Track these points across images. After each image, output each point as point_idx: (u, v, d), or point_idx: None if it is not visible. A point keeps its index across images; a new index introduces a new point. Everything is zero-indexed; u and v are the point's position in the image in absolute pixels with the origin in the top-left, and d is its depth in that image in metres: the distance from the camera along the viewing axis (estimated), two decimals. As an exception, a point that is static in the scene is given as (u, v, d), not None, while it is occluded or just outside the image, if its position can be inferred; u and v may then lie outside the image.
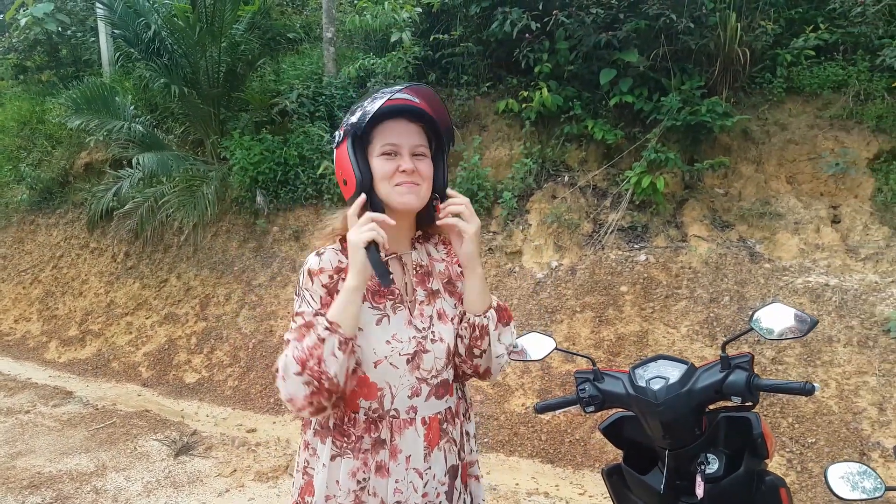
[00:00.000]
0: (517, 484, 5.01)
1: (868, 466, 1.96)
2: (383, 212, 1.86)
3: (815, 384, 1.91)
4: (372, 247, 1.78)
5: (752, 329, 2.07)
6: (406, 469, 1.88)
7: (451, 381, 1.99)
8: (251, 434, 6.20)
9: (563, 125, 7.30)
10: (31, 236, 11.50)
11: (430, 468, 1.90)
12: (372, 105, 1.82)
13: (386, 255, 1.89)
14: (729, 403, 2.05)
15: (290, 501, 2.02)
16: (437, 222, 1.93)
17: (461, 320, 1.99)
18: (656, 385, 2.06)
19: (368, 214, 1.80)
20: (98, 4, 9.13)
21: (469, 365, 2.00)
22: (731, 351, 2.03)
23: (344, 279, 1.85)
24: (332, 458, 1.88)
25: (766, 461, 2.11)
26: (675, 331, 5.82)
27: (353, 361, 1.80)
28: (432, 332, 1.94)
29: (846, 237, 6.01)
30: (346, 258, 1.89)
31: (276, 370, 1.79)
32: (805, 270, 5.86)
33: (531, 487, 4.96)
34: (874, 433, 4.69)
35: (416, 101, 1.90)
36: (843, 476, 1.95)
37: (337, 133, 1.95)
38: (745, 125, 6.80)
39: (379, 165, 1.86)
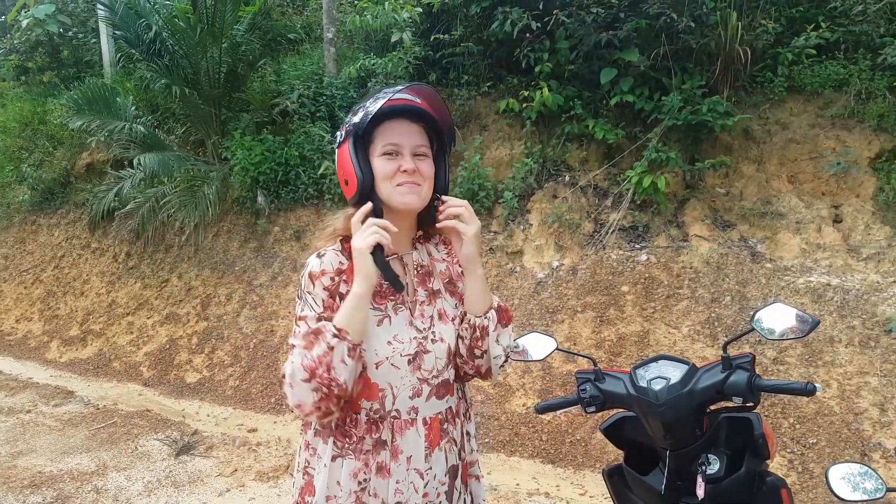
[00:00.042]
0: (518, 484, 5.01)
1: (869, 467, 1.95)
2: (383, 212, 1.87)
3: (816, 385, 1.91)
4: (378, 251, 1.79)
5: (753, 329, 2.06)
6: (407, 469, 1.88)
7: (451, 381, 1.99)
8: (252, 434, 6.20)
9: (564, 125, 7.30)
10: (33, 236, 11.51)
11: (430, 468, 1.90)
12: (373, 105, 1.83)
13: (387, 256, 1.89)
14: (730, 404, 2.05)
15: (290, 501, 2.02)
16: (437, 224, 1.93)
17: (462, 321, 1.99)
18: (657, 385, 2.06)
19: (371, 220, 1.81)
20: (99, 6, 9.14)
21: (471, 365, 2.01)
22: (732, 351, 2.03)
23: (345, 280, 1.86)
24: (333, 458, 1.88)
25: (768, 462, 2.11)
26: (676, 331, 5.81)
27: (360, 366, 1.81)
28: (433, 332, 1.94)
29: (848, 237, 6.01)
30: (347, 259, 1.90)
31: (283, 376, 1.79)
32: (806, 270, 5.85)
33: (532, 488, 4.96)
34: (875, 434, 4.69)
35: (418, 101, 1.90)
36: (844, 477, 1.95)
37: (338, 133, 1.95)
38: (747, 124, 6.79)
39: (380, 165, 1.86)
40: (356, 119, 1.87)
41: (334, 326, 1.75)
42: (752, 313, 2.09)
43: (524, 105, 7.35)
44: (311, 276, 1.86)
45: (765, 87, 6.98)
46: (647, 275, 6.28)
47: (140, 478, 5.33)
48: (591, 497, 4.80)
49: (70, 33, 13.85)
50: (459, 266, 2.04)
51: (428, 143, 1.94)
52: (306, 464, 1.95)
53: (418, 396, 1.90)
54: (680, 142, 6.82)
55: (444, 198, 1.94)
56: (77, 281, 10.10)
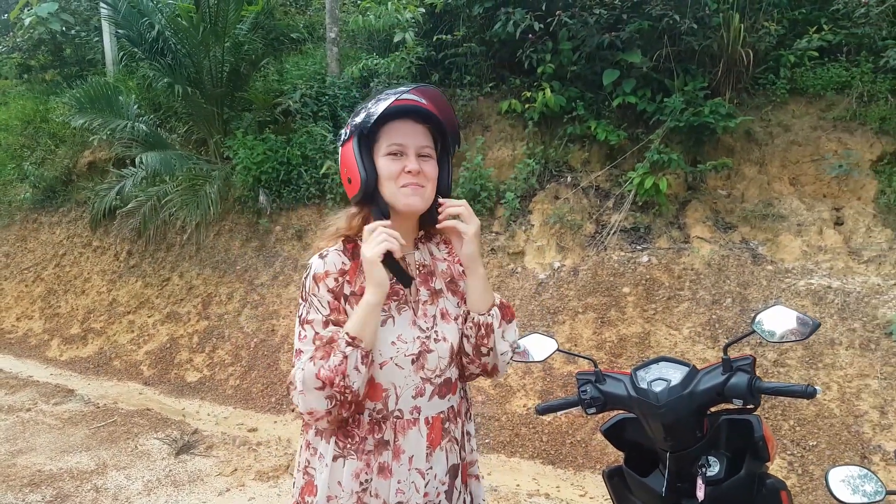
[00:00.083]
0: (518, 485, 5.01)
1: (869, 470, 1.95)
2: (389, 212, 1.88)
3: (816, 387, 1.91)
4: (388, 257, 1.80)
5: (754, 331, 2.07)
6: (408, 469, 1.88)
7: (453, 381, 2.00)
8: (252, 433, 6.20)
9: (566, 126, 7.30)
10: (34, 234, 11.52)
11: (431, 468, 1.91)
12: (379, 105, 1.83)
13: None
14: (730, 406, 2.05)
15: (290, 501, 2.02)
16: (438, 225, 1.94)
17: (465, 320, 2.00)
18: (658, 387, 2.06)
19: (380, 228, 1.81)
20: (102, 4, 9.15)
21: (477, 364, 2.02)
22: (732, 353, 2.03)
23: (348, 281, 1.87)
24: (335, 458, 1.88)
25: (767, 464, 2.11)
26: (677, 332, 5.81)
27: (371, 371, 1.82)
28: (436, 331, 1.94)
29: (849, 239, 6.00)
30: (350, 259, 1.91)
31: (291, 383, 1.80)
32: (807, 272, 5.85)
33: (532, 489, 4.96)
34: (875, 436, 4.68)
35: (424, 102, 1.91)
36: (843, 479, 1.95)
37: (343, 131, 1.95)
38: (749, 126, 6.79)
39: (384, 165, 1.87)
40: (361, 118, 1.87)
41: (347, 334, 1.76)
42: (752, 315, 2.10)
43: (526, 106, 7.35)
44: (315, 278, 1.86)
45: (767, 89, 6.97)
46: (648, 276, 6.28)
47: (140, 477, 5.33)
48: (591, 498, 4.80)
49: (73, 32, 13.86)
50: (460, 265, 2.04)
51: (432, 144, 1.94)
52: (307, 464, 1.95)
53: (421, 396, 1.90)
54: (682, 143, 6.82)
55: (442, 199, 1.94)
56: (78, 279, 10.11)
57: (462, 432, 2.04)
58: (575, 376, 2.30)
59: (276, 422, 6.45)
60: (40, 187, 11.61)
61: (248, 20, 9.77)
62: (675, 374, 2.09)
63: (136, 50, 9.48)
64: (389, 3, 8.60)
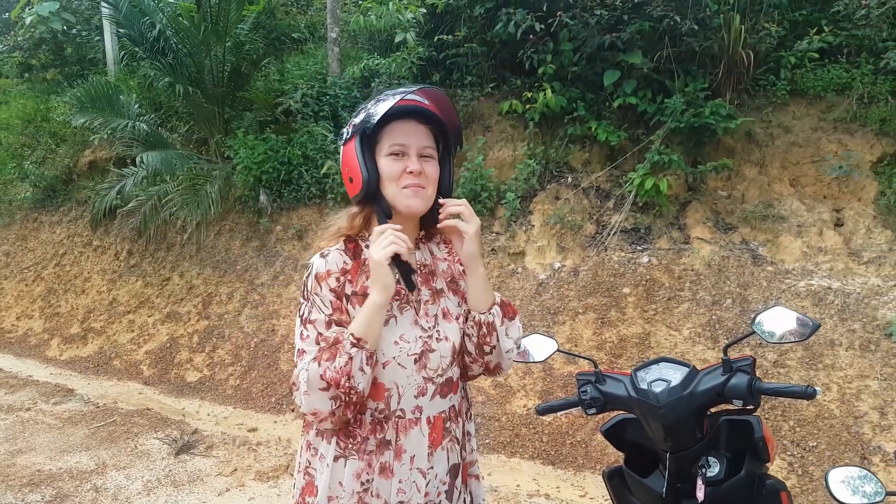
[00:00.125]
0: (518, 485, 5.01)
1: (869, 471, 1.96)
2: (391, 212, 1.89)
3: (816, 388, 1.91)
4: (395, 259, 1.81)
5: (754, 332, 2.07)
6: (410, 469, 1.88)
7: (455, 380, 2.00)
8: (252, 433, 6.20)
9: (567, 126, 7.30)
10: (35, 234, 11.53)
11: (432, 468, 1.91)
12: (382, 105, 1.83)
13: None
14: (730, 406, 2.05)
15: (290, 501, 2.02)
16: (438, 224, 1.94)
17: (466, 319, 2.00)
18: (658, 387, 2.06)
19: (389, 229, 1.81)
20: (103, 3, 9.15)
21: (480, 363, 2.02)
22: (733, 354, 2.04)
23: (350, 280, 1.88)
24: (336, 458, 1.88)
25: (767, 464, 2.12)
26: (677, 333, 5.81)
27: (375, 372, 1.83)
28: (437, 331, 1.95)
29: (849, 240, 6.00)
30: (351, 259, 1.91)
31: (294, 384, 1.80)
32: (808, 273, 5.85)
33: (532, 489, 4.96)
34: (875, 437, 4.68)
35: (426, 102, 1.91)
36: (843, 480, 1.95)
37: (345, 130, 1.95)
38: (749, 127, 6.79)
39: (386, 165, 1.87)
40: (362, 118, 1.88)
41: (352, 335, 1.76)
42: (752, 316, 2.10)
43: (527, 106, 7.35)
44: (317, 277, 1.86)
45: (767, 90, 6.97)
46: (648, 277, 6.28)
47: (139, 477, 5.34)
48: (591, 499, 4.80)
49: (74, 31, 13.87)
50: (460, 265, 2.05)
51: (434, 145, 1.94)
52: (307, 464, 1.95)
53: (423, 395, 1.90)
54: (682, 144, 6.82)
55: (443, 199, 1.94)
56: (78, 279, 10.11)
57: (463, 432, 2.04)
58: (575, 377, 2.31)
59: (276, 422, 6.46)
60: (41, 186, 11.61)
61: (250, 20, 9.78)
62: (676, 375, 2.10)
63: (137, 49, 9.49)
64: (390, 4, 8.61)
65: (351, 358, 1.73)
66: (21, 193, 11.95)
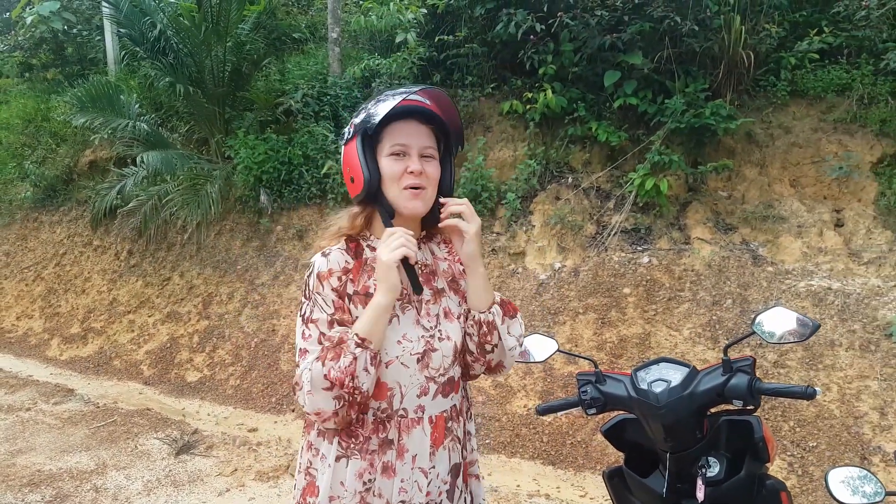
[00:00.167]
0: (518, 485, 5.01)
1: (869, 471, 1.96)
2: (394, 213, 1.89)
3: (816, 388, 1.92)
4: (403, 262, 1.82)
5: (754, 332, 2.07)
6: (412, 469, 1.88)
7: (456, 379, 2.00)
8: (252, 433, 6.20)
9: (567, 127, 7.30)
10: (35, 233, 11.53)
11: (434, 467, 1.91)
12: (383, 105, 1.84)
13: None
14: (730, 407, 2.05)
15: (290, 502, 2.02)
16: (440, 224, 1.95)
17: (467, 318, 2.01)
18: (658, 388, 2.06)
19: (399, 231, 1.82)
20: (104, 3, 9.15)
21: (482, 362, 2.02)
22: (733, 354, 2.04)
23: (352, 280, 1.88)
24: (338, 458, 1.87)
25: (767, 465, 2.12)
26: (677, 333, 5.81)
27: (379, 372, 1.83)
28: (439, 330, 1.95)
29: (849, 241, 6.00)
30: (353, 258, 1.91)
31: (297, 384, 1.80)
32: (808, 274, 5.85)
33: (532, 489, 4.96)
34: (875, 437, 4.69)
35: (428, 102, 1.92)
36: (843, 480, 1.95)
37: (346, 130, 1.96)
38: (749, 128, 6.79)
39: (387, 165, 1.87)
40: (363, 117, 1.88)
41: (357, 336, 1.76)
42: (753, 316, 2.10)
43: (528, 107, 7.35)
44: (319, 276, 1.86)
45: (768, 91, 6.98)
46: (648, 277, 6.28)
47: (140, 477, 5.34)
48: (591, 499, 4.81)
49: (74, 30, 13.88)
50: (460, 264, 2.05)
51: (435, 145, 1.95)
52: (309, 464, 1.95)
53: (425, 395, 1.90)
54: (683, 145, 6.82)
55: (444, 199, 1.95)
56: (78, 279, 10.12)
57: (464, 431, 2.04)
58: (575, 377, 2.31)
59: (276, 422, 6.46)
60: (41, 186, 11.61)
61: (250, 20, 9.79)
62: (676, 375, 2.10)
63: (137, 49, 9.50)
64: (391, 4, 8.61)
65: (355, 358, 1.74)
66: (21, 193, 11.95)
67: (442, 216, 1.94)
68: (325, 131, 8.22)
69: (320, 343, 1.81)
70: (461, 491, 2.02)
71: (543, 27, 6.97)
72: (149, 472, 5.40)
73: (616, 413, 2.31)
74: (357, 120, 1.90)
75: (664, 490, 2.08)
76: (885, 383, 4.93)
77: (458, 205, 1.92)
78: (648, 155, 6.63)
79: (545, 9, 7.00)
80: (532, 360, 2.38)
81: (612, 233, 6.72)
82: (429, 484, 1.90)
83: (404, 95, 1.85)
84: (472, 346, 2.00)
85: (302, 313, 1.87)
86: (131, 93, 10.11)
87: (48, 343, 9.25)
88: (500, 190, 7.41)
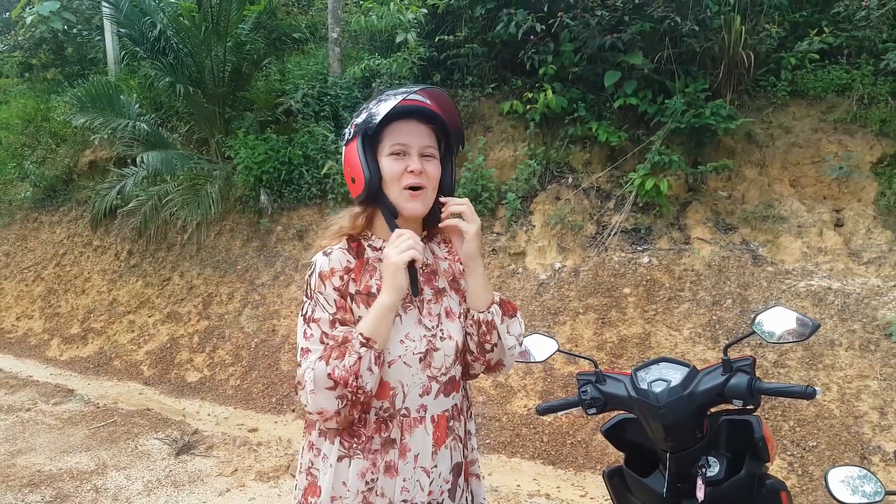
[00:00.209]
0: (519, 485, 5.01)
1: (868, 470, 1.96)
2: (397, 213, 1.90)
3: (816, 388, 1.92)
4: (410, 264, 1.83)
5: (754, 332, 2.07)
6: (414, 468, 1.88)
7: (457, 378, 2.01)
8: (252, 433, 6.20)
9: (568, 127, 7.30)
10: (35, 234, 11.53)
11: (436, 466, 1.91)
12: (383, 105, 1.84)
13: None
14: (730, 406, 2.05)
15: (291, 502, 2.02)
16: (440, 223, 1.95)
17: (466, 317, 2.01)
18: (658, 387, 2.06)
19: (409, 234, 1.83)
20: (104, 3, 9.15)
21: (482, 361, 2.03)
22: (733, 354, 2.04)
23: (353, 279, 1.88)
24: (340, 458, 1.87)
25: (767, 464, 2.12)
26: (677, 333, 5.82)
27: (382, 372, 1.83)
28: (441, 329, 1.95)
29: (849, 241, 6.01)
30: (354, 258, 1.91)
31: (300, 383, 1.80)
32: (808, 274, 5.85)
33: (533, 489, 4.96)
34: (875, 437, 4.69)
35: (428, 102, 1.92)
36: (843, 480, 1.95)
37: (346, 130, 1.96)
38: (749, 128, 6.79)
39: (388, 165, 1.88)
40: (364, 118, 1.89)
41: (361, 335, 1.77)
42: (752, 316, 2.10)
43: (528, 107, 7.35)
44: (321, 275, 1.86)
45: (768, 91, 6.98)
46: (648, 277, 6.28)
47: (140, 477, 5.34)
48: (591, 499, 4.81)
49: (74, 30, 13.88)
50: (460, 263, 2.06)
51: (436, 145, 1.95)
52: (310, 464, 1.95)
53: (428, 394, 1.91)
54: (683, 145, 6.82)
55: (444, 198, 1.95)
56: (78, 279, 10.12)
57: (465, 430, 2.05)
58: (575, 377, 2.31)
59: (276, 422, 6.46)
60: (41, 186, 11.61)
61: (251, 20, 9.79)
62: (676, 375, 2.10)
63: (137, 49, 9.49)
64: (391, 4, 8.61)
65: (360, 357, 1.74)
66: (21, 193, 11.95)
67: (443, 216, 1.94)
68: (325, 131, 8.22)
69: (322, 342, 1.81)
70: (462, 490, 2.02)
71: (543, 27, 6.97)
72: (149, 473, 5.40)
73: (616, 413, 2.31)
74: (358, 120, 1.91)
75: (664, 490, 2.09)
76: (884, 383, 4.93)
77: (458, 205, 1.93)
78: (648, 155, 6.63)
79: (545, 9, 7.00)
80: (532, 360, 2.38)
81: (613, 233, 6.72)
82: (431, 483, 1.90)
83: (404, 95, 1.85)
84: (471, 346, 2.01)
85: (303, 312, 1.87)
86: (131, 93, 10.10)
87: (48, 343, 9.25)
88: (501, 190, 7.41)
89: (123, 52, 11.67)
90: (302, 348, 1.83)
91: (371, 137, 1.89)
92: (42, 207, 11.69)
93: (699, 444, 2.06)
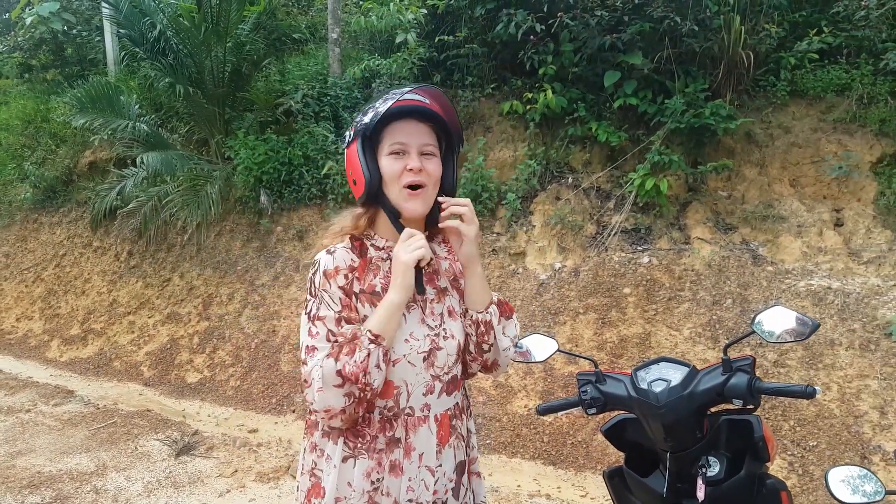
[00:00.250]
0: (519, 486, 5.01)
1: (869, 470, 1.96)
2: (398, 213, 1.90)
3: (816, 387, 1.92)
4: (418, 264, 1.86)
5: (754, 332, 2.07)
6: (419, 467, 1.89)
7: (458, 377, 2.03)
8: (252, 434, 6.20)
9: (568, 127, 7.30)
10: (35, 235, 11.52)
11: (440, 465, 1.92)
12: (382, 105, 1.85)
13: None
14: (730, 406, 2.05)
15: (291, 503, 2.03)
16: (439, 224, 1.95)
17: (464, 317, 2.02)
18: (658, 387, 2.06)
19: (418, 234, 1.85)
20: (104, 4, 9.15)
21: (479, 361, 2.05)
22: (733, 354, 2.04)
23: (358, 278, 1.89)
24: (344, 459, 1.87)
25: (768, 464, 2.12)
26: (677, 333, 5.82)
27: (389, 370, 1.84)
28: (444, 329, 1.96)
29: (849, 240, 6.01)
30: (358, 257, 1.92)
31: (306, 381, 1.80)
32: (807, 273, 5.85)
33: (533, 489, 4.96)
34: (875, 437, 4.69)
35: (427, 101, 1.92)
36: (843, 479, 1.95)
37: (347, 133, 1.97)
38: (749, 128, 6.79)
39: (387, 164, 1.88)
40: (365, 119, 1.89)
41: (370, 332, 1.78)
42: (752, 316, 2.10)
43: (528, 107, 7.36)
44: (325, 274, 1.87)
45: (767, 91, 6.98)
46: (648, 277, 6.28)
47: (140, 478, 5.34)
48: (591, 499, 4.81)
49: (74, 31, 13.87)
50: (461, 263, 2.06)
51: (436, 143, 1.95)
52: (313, 465, 1.94)
53: (431, 393, 1.92)
54: (683, 145, 6.82)
55: (444, 198, 1.95)
56: (78, 280, 10.11)
57: (466, 429, 2.06)
58: (575, 377, 2.31)
59: (276, 423, 6.46)
60: (41, 187, 11.60)
61: (250, 20, 9.78)
62: (676, 375, 2.10)
63: (137, 50, 9.49)
64: (391, 4, 8.61)
65: (369, 354, 1.75)
66: (21, 194, 11.94)
67: (443, 215, 1.94)
68: (325, 132, 8.22)
69: (328, 340, 1.81)
70: (466, 488, 2.03)
71: (543, 27, 6.97)
72: (149, 474, 5.40)
73: (616, 413, 2.31)
74: (358, 122, 1.92)
75: (664, 490, 2.09)
76: (884, 382, 4.93)
77: (460, 206, 1.93)
78: (648, 155, 6.63)
79: (545, 9, 7.00)
80: (532, 360, 2.39)
81: (613, 233, 6.72)
82: (436, 482, 1.91)
83: (399, 95, 1.86)
84: (470, 346, 2.02)
85: (308, 311, 1.87)
86: (131, 93, 10.10)
87: (48, 344, 9.25)
88: (501, 190, 7.41)
89: (123, 53, 11.67)
90: (307, 346, 1.82)
91: (370, 138, 1.90)
92: (42, 208, 11.68)
93: (699, 444, 2.06)
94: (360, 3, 9.88)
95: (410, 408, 1.89)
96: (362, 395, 1.76)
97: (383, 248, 1.96)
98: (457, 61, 8.07)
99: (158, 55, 8.93)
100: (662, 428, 2.04)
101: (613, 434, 2.33)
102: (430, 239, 2.07)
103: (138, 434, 6.25)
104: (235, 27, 9.14)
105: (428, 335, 1.92)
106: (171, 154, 9.14)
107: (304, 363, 1.82)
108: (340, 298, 1.85)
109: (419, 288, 1.90)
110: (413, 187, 1.88)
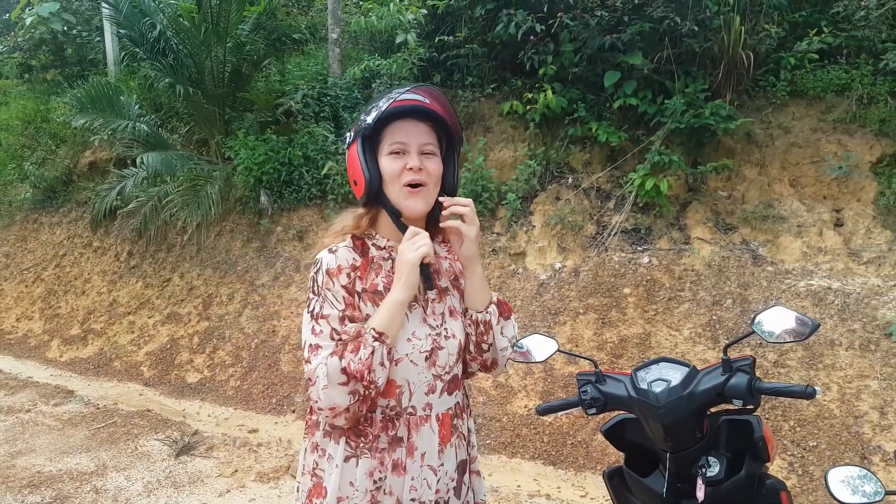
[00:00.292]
0: (519, 486, 5.01)
1: (869, 470, 1.96)
2: (399, 213, 1.91)
3: (816, 388, 1.91)
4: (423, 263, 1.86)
5: (754, 332, 2.07)
6: (421, 466, 1.89)
7: (459, 377, 2.04)
8: (253, 434, 6.20)
9: (568, 127, 7.30)
10: (35, 235, 11.52)
11: (442, 464, 1.93)
12: (382, 105, 1.85)
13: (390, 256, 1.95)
14: (730, 406, 2.05)
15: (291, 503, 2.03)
16: (440, 223, 1.96)
17: (464, 317, 2.03)
18: (658, 387, 2.06)
19: (422, 233, 1.87)
20: (104, 4, 9.15)
21: (479, 360, 2.06)
22: (733, 354, 2.03)
23: (360, 277, 1.89)
24: (346, 458, 1.88)
25: (768, 464, 2.11)
26: (677, 333, 5.81)
27: (390, 369, 1.84)
28: (445, 328, 1.97)
29: (849, 241, 6.01)
30: (359, 256, 1.93)
31: (310, 379, 1.79)
32: (807, 274, 5.85)
33: (533, 489, 4.96)
34: (875, 437, 4.69)
35: (427, 101, 1.92)
36: (843, 480, 1.95)
37: (348, 133, 1.98)
38: (749, 128, 6.79)
39: (387, 164, 1.89)
40: (367, 120, 1.89)
41: (374, 329, 1.78)
42: (752, 316, 2.10)
43: (528, 107, 7.36)
44: (328, 272, 1.87)
45: (767, 91, 6.98)
46: (648, 277, 6.28)
47: (140, 478, 5.34)
48: (591, 499, 4.81)
49: (74, 31, 13.87)
50: (460, 263, 2.06)
51: (436, 142, 1.96)
52: (314, 465, 1.94)
53: (433, 393, 1.92)
54: (682, 145, 6.82)
55: (445, 198, 1.95)
56: (78, 280, 10.11)
57: (466, 428, 2.07)
58: (575, 377, 2.31)
59: (276, 423, 6.46)
60: (41, 187, 11.60)
61: (250, 21, 9.78)
62: (675, 375, 2.10)
63: (137, 50, 9.48)
64: (391, 5, 8.61)
65: (374, 351, 1.75)
66: (21, 194, 11.94)
67: (444, 214, 1.95)
68: (325, 132, 8.22)
69: (332, 339, 1.81)
70: (467, 487, 2.04)
71: (543, 28, 6.97)
72: (149, 474, 5.40)
73: (616, 413, 2.30)
74: (358, 123, 1.92)
75: (664, 490, 2.08)
76: (884, 383, 4.93)
77: (461, 206, 1.93)
78: (648, 155, 6.64)
79: (545, 9, 7.00)
80: (532, 360, 2.38)
81: (613, 233, 6.72)
82: (438, 481, 1.91)
83: (398, 95, 1.86)
84: (469, 345, 2.03)
85: (311, 309, 1.87)
86: (131, 94, 10.10)
87: (48, 344, 9.25)
88: (501, 190, 7.41)
89: (123, 53, 11.66)
90: (311, 344, 1.82)
91: (371, 138, 1.90)
92: (42, 208, 11.68)
93: (699, 444, 2.06)
94: (360, 3, 9.88)
95: (413, 407, 1.89)
96: (367, 392, 1.76)
97: (385, 248, 1.96)
98: (457, 61, 8.07)
99: (158, 55, 8.93)
100: (662, 428, 2.04)
101: (613, 434, 2.32)
102: (432, 239, 2.08)
103: (138, 434, 6.25)
104: (235, 27, 9.14)
105: (430, 335, 1.92)
106: (171, 154, 9.14)
107: (308, 361, 1.81)
108: (344, 297, 1.85)
109: (429, 284, 1.91)
110: (413, 186, 1.88)
